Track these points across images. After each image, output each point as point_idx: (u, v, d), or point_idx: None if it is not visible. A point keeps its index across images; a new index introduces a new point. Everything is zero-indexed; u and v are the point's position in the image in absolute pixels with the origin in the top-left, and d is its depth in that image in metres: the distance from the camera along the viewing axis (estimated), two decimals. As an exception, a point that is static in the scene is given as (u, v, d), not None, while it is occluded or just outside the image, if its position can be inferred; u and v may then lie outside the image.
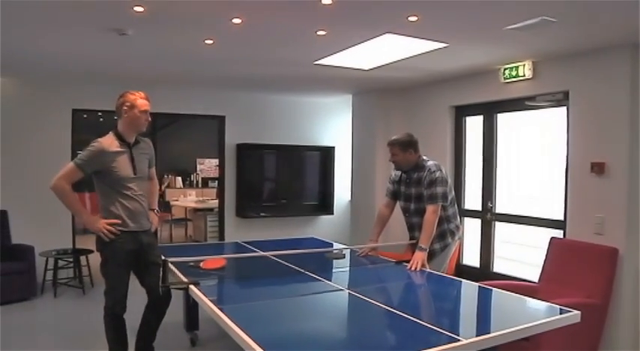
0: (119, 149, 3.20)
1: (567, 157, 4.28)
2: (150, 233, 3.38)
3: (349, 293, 2.95)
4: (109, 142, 3.20)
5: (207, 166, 12.51)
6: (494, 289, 3.00)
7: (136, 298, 3.34)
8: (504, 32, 3.55)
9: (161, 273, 3.12)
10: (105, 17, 3.35)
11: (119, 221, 3.18)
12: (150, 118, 3.29)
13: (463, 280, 3.25)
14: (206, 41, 3.94)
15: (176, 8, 3.15)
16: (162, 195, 10.18)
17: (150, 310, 3.38)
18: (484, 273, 5.11)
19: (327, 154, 7.70)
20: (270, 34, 3.79)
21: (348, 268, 3.86)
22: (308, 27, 3.57)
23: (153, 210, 3.52)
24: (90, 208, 6.61)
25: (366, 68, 4.97)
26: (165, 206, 9.60)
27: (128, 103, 3.20)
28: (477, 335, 2.17)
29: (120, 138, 3.24)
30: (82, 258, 5.73)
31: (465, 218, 5.49)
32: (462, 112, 5.61)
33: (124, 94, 3.24)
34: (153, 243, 3.39)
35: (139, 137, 3.36)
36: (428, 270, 3.44)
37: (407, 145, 3.73)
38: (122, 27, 3.55)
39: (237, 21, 3.39)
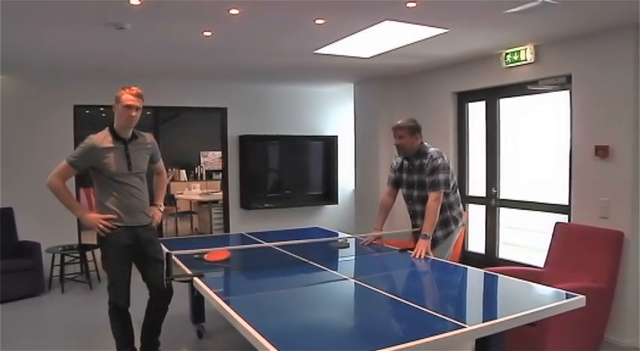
0: (111, 145, 3.18)
1: (571, 141, 4.25)
2: (149, 228, 3.36)
3: (354, 282, 2.95)
4: (101, 138, 3.19)
5: (211, 159, 12.51)
6: (499, 275, 2.99)
7: (142, 292, 3.36)
8: (505, 16, 3.51)
9: (165, 266, 3.12)
10: (102, 12, 3.33)
11: (114, 216, 3.18)
12: (134, 114, 3.16)
13: (468, 267, 3.24)
14: (204, 33, 3.92)
15: (172, 1, 3.13)
16: (167, 188, 10.19)
17: (152, 305, 3.39)
18: (489, 259, 5.10)
19: (330, 143, 7.68)
20: (269, 24, 3.77)
21: (352, 257, 3.86)
22: (306, 16, 3.54)
23: (156, 205, 3.52)
24: (95, 204, 6.62)
25: (367, 56, 4.93)
26: (170, 199, 9.61)
27: (116, 98, 3.19)
28: (482, 321, 2.17)
29: (114, 134, 3.22)
30: (88, 253, 5.77)
31: (470, 204, 5.48)
32: (464, 98, 5.57)
33: (119, 89, 3.21)
34: (152, 238, 3.37)
35: (138, 132, 3.33)
36: (432, 257, 3.44)
37: (415, 129, 3.72)
38: (119, 21, 3.53)
39: (234, 12, 3.36)
